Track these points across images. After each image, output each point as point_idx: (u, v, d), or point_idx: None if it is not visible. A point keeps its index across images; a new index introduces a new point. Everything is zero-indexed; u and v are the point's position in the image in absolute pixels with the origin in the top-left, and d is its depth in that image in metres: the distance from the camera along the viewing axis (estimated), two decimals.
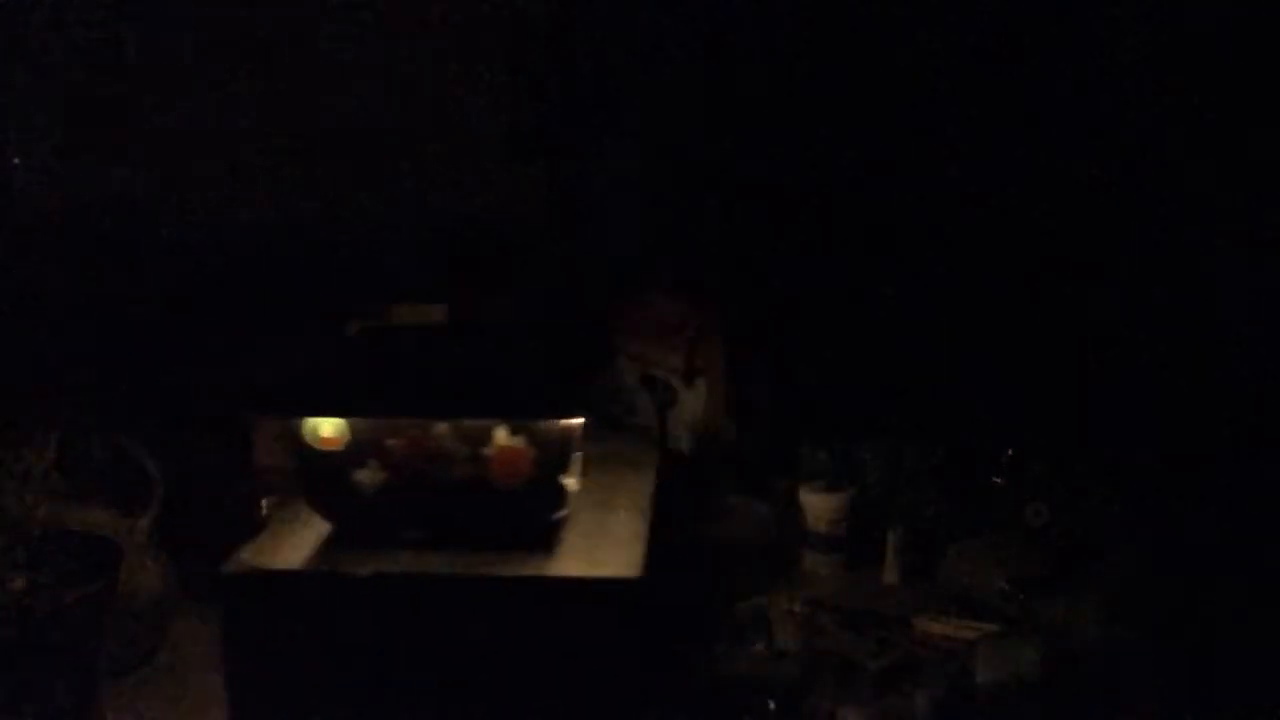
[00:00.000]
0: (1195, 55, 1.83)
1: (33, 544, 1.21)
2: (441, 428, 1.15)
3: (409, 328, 1.67)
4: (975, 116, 1.95)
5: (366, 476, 1.15)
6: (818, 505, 1.71)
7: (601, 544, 1.18)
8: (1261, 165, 1.81)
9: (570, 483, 1.19)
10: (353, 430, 1.14)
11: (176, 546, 1.49)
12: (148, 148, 1.60)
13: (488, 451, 1.16)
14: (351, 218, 1.76)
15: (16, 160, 1.51)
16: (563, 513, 1.20)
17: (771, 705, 1.32)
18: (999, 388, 1.93)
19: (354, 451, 1.14)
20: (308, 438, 1.14)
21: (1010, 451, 1.84)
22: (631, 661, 1.12)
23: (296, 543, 1.16)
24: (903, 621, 1.53)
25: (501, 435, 1.16)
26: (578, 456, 1.19)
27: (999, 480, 1.84)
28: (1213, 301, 1.90)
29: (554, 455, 1.17)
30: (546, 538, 1.19)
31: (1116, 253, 1.92)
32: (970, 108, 1.95)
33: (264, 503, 1.64)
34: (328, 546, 1.16)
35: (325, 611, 1.10)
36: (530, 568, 1.12)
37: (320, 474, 1.16)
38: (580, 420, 1.18)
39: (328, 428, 1.14)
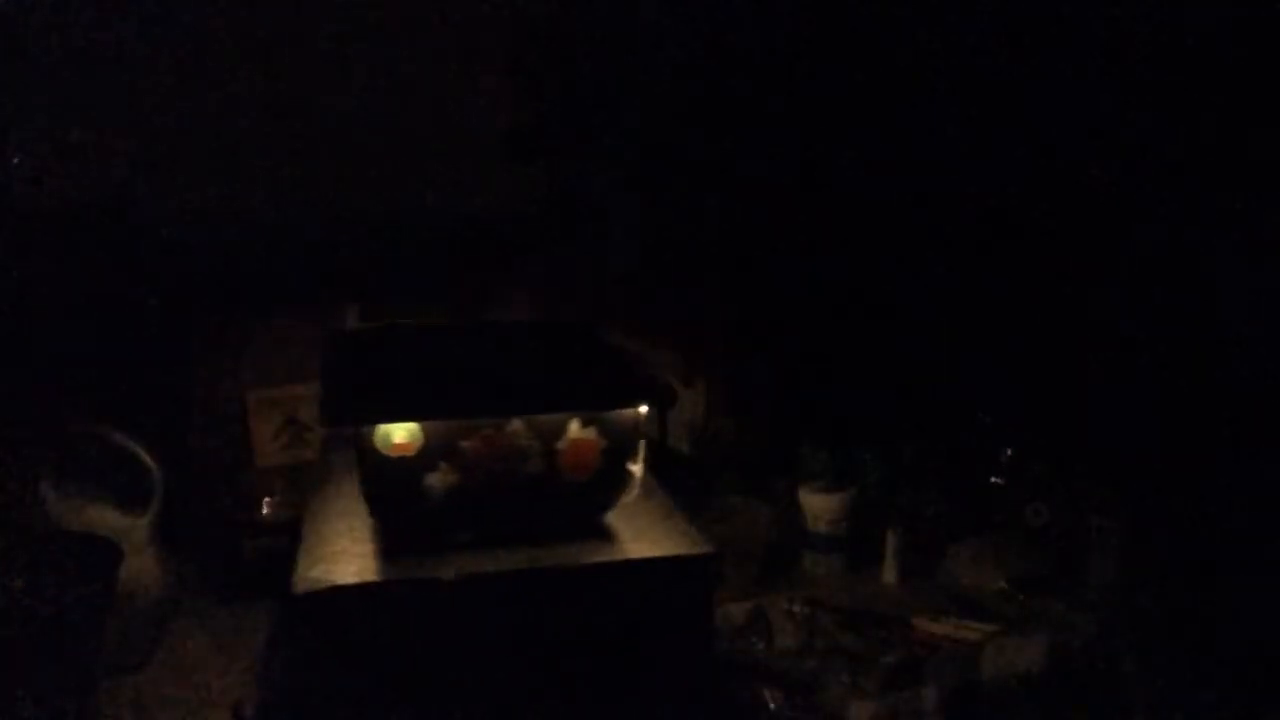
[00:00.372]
0: (1195, 55, 1.83)
1: (33, 544, 1.21)
2: (516, 425, 1.15)
3: (431, 327, 1.68)
4: (975, 116, 1.95)
5: (437, 480, 1.14)
6: (818, 505, 1.71)
7: (650, 528, 1.22)
8: (1261, 165, 1.81)
9: (636, 469, 1.20)
10: (426, 434, 1.12)
11: (177, 546, 1.49)
12: (148, 148, 1.60)
13: (560, 445, 1.16)
14: (351, 218, 1.76)
15: (16, 160, 1.51)
16: (629, 498, 1.22)
17: (772, 704, 1.32)
18: (999, 388, 1.93)
19: (426, 456, 1.13)
20: (379, 445, 1.11)
21: (1010, 451, 1.84)
22: (709, 630, 1.21)
23: (345, 554, 1.14)
24: (902, 621, 1.53)
25: (574, 428, 1.16)
26: (642, 443, 1.20)
27: (999, 480, 1.84)
28: (1213, 301, 1.90)
29: (622, 443, 1.18)
30: (600, 527, 1.22)
31: (1116, 253, 1.92)
32: (970, 108, 1.95)
33: (266, 502, 1.65)
34: (386, 554, 1.14)
35: (403, 619, 1.09)
36: (605, 554, 1.15)
37: (390, 481, 1.13)
38: (645, 408, 1.19)
39: (401, 434, 1.11)
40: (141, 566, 1.39)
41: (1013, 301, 1.97)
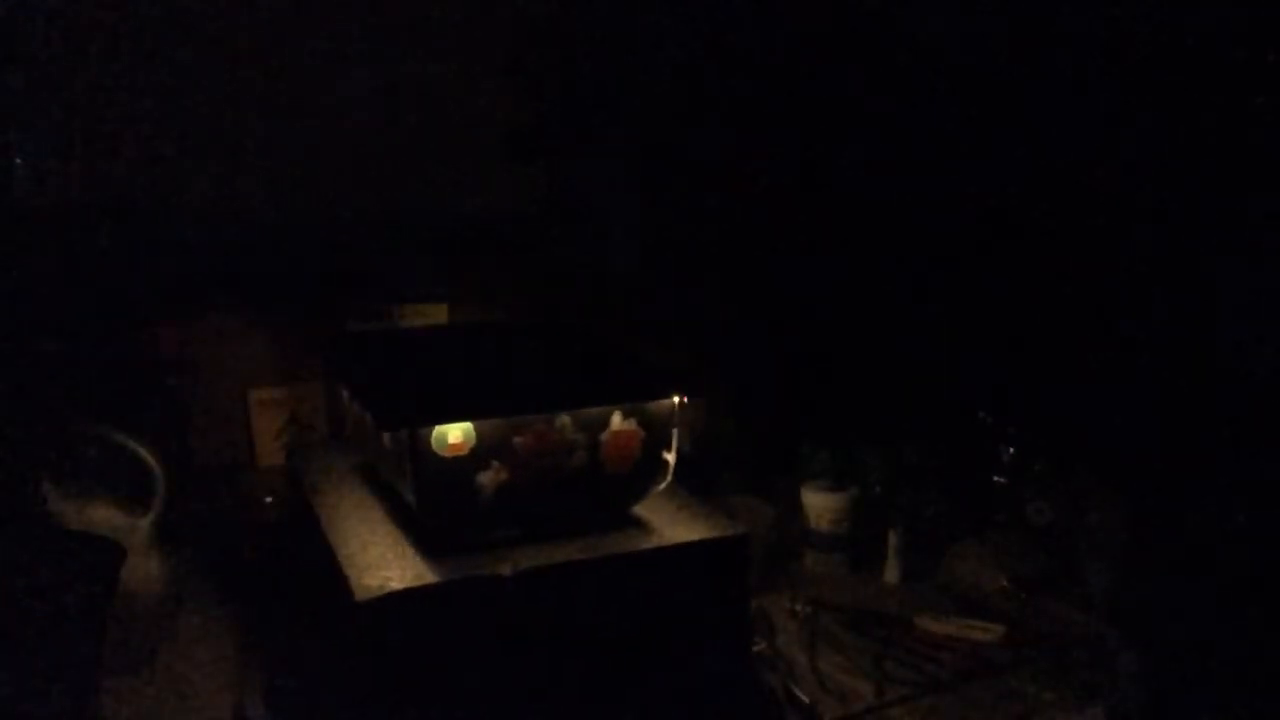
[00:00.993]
0: (1194, 54, 1.84)
1: (34, 544, 1.21)
2: (564, 420, 1.17)
3: (435, 329, 1.69)
4: (975, 117, 1.95)
5: (488, 478, 1.15)
6: (819, 505, 1.71)
7: (677, 516, 1.27)
8: (1261, 165, 1.81)
9: (670, 458, 1.24)
10: (479, 433, 1.14)
11: (179, 546, 1.48)
12: (147, 148, 1.60)
13: (604, 437, 1.20)
14: (352, 217, 1.76)
15: (18, 160, 1.51)
16: (662, 486, 1.26)
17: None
18: (1000, 387, 1.93)
19: (479, 455, 1.14)
20: (435, 446, 1.12)
21: (1011, 450, 1.84)
22: (748, 607, 1.30)
23: (388, 559, 1.14)
24: (904, 621, 1.53)
25: (616, 419, 1.20)
26: (675, 432, 1.24)
27: (1000, 479, 1.84)
28: (1213, 301, 1.91)
29: (658, 433, 1.23)
30: (632, 518, 1.27)
31: (1116, 253, 1.92)
32: (970, 109, 1.95)
33: (268, 501, 1.64)
34: (431, 556, 1.15)
35: (463, 618, 1.11)
36: (649, 541, 1.20)
37: (443, 482, 1.14)
38: (678, 398, 1.24)
39: (456, 434, 1.12)
40: (143, 566, 1.39)
41: (1013, 301, 1.97)
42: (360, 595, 1.05)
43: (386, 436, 1.21)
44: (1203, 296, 1.91)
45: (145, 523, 1.41)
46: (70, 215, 1.56)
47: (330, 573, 1.15)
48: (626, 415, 1.20)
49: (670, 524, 1.25)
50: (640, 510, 1.28)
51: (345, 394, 1.41)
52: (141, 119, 1.59)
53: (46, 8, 1.50)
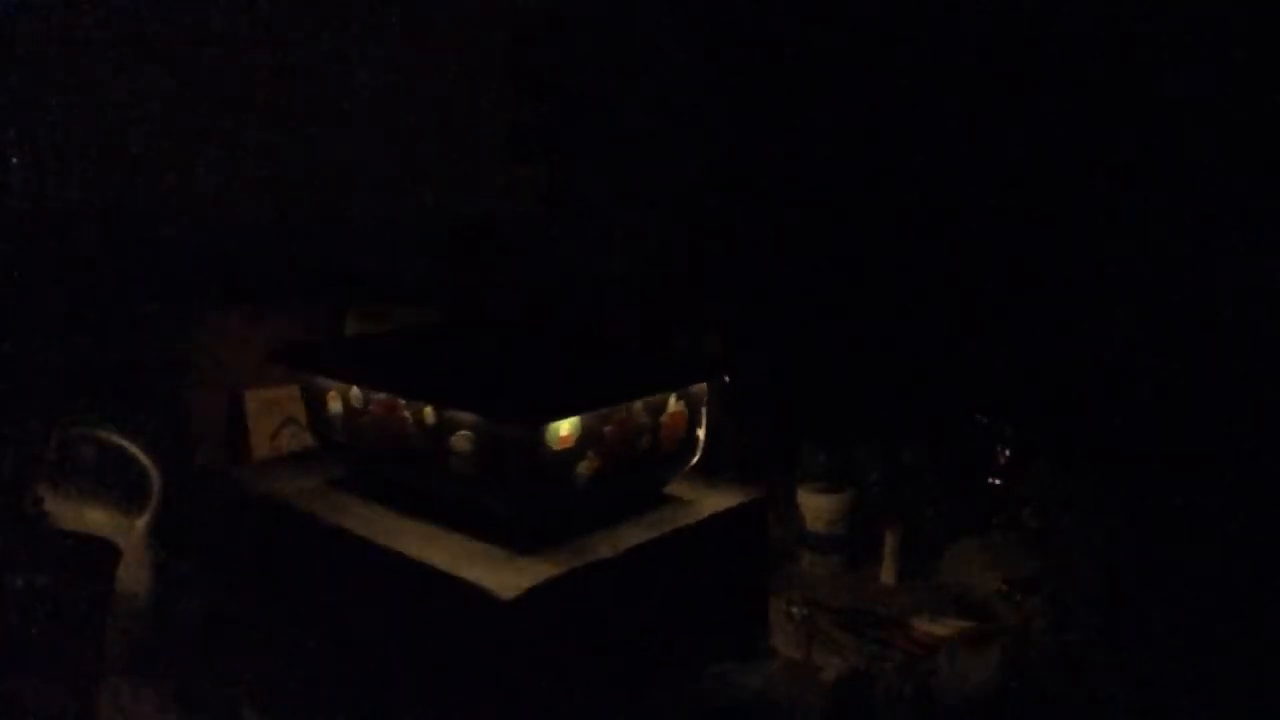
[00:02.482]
0: (1197, 53, 1.83)
1: (30, 544, 1.22)
2: (638, 406, 1.25)
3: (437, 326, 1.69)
4: (972, 117, 1.95)
5: (584, 468, 1.20)
6: (816, 505, 1.71)
7: (697, 488, 1.39)
8: (1260, 164, 1.81)
9: (702, 434, 1.35)
10: (583, 425, 1.18)
11: (174, 546, 1.49)
12: (147, 148, 1.60)
13: (663, 419, 1.29)
14: (351, 217, 1.76)
15: (15, 160, 1.51)
16: (695, 460, 1.36)
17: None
18: (997, 388, 1.93)
19: (579, 446, 1.19)
20: (550, 441, 1.15)
21: (1008, 452, 1.84)
22: (766, 556, 1.47)
23: (478, 557, 1.17)
24: (901, 622, 1.53)
25: (672, 402, 1.30)
26: (705, 410, 1.35)
27: (997, 481, 1.84)
28: (1212, 301, 1.90)
29: (698, 413, 1.34)
30: (664, 496, 1.37)
31: (1115, 254, 1.92)
32: (967, 107, 1.95)
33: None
34: (520, 550, 1.19)
35: (582, 601, 1.17)
36: (702, 512, 1.32)
37: (550, 475, 1.18)
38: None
39: (567, 428, 1.17)
40: (138, 566, 1.39)
41: (1011, 303, 1.96)
42: (505, 595, 1.08)
43: (432, 441, 1.22)
44: (1202, 296, 1.90)
45: (141, 523, 1.41)
46: (68, 215, 1.56)
47: (426, 587, 1.16)
48: (679, 398, 1.30)
49: (701, 497, 1.36)
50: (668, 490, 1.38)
51: (390, 399, 1.30)
52: (141, 119, 1.59)
53: (47, 8, 1.51)
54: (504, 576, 1.12)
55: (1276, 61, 1.76)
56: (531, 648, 1.12)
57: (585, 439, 1.19)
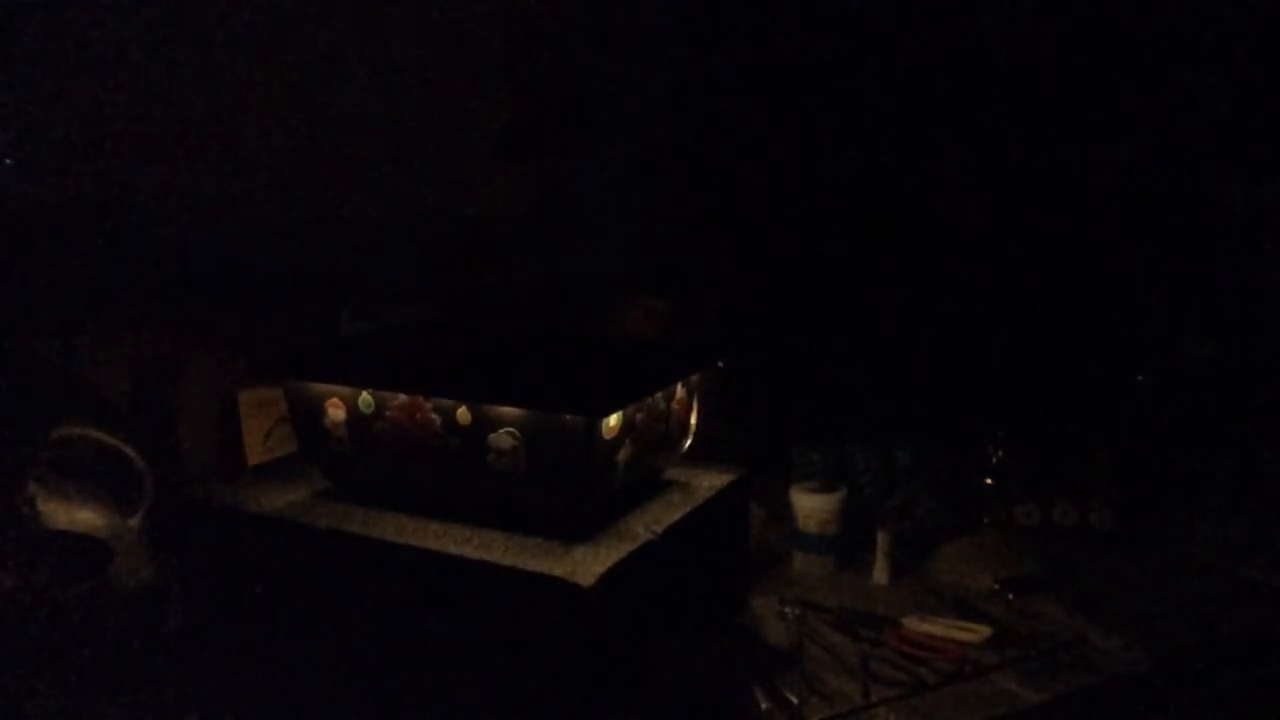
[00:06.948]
0: (1195, 54, 1.83)
1: (21, 545, 1.22)
2: (659, 394, 1.31)
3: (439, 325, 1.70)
4: (969, 117, 1.95)
5: (623, 456, 1.24)
6: (809, 505, 1.71)
7: (686, 470, 1.45)
8: (1259, 164, 1.80)
9: (694, 419, 1.42)
10: (625, 416, 1.22)
11: (167, 546, 1.49)
12: (147, 147, 1.60)
13: (673, 406, 1.35)
14: (348, 217, 1.76)
15: (8, 161, 1.52)
16: (689, 443, 1.42)
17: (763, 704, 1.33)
18: (990, 388, 1.93)
19: (621, 436, 1.23)
20: (604, 431, 1.19)
21: (1001, 452, 1.84)
22: (748, 531, 1.53)
23: (532, 550, 1.17)
24: (893, 622, 1.53)
25: (679, 389, 1.36)
26: (697, 396, 1.42)
27: (989, 480, 1.84)
28: (1211, 302, 1.90)
29: (692, 399, 1.41)
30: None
31: (1111, 254, 1.91)
32: (964, 109, 1.95)
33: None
34: (564, 538, 1.21)
35: (639, 584, 1.20)
36: (701, 492, 1.38)
37: (601, 464, 1.21)
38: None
39: (614, 419, 1.20)
40: (131, 567, 1.39)
41: (1005, 303, 1.96)
42: (585, 583, 1.09)
43: (466, 440, 1.22)
44: (1201, 297, 1.90)
45: (133, 523, 1.42)
46: (62, 215, 1.57)
47: (491, 585, 1.15)
48: (683, 385, 1.37)
49: (693, 478, 1.42)
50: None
51: (409, 400, 1.26)
52: (141, 118, 1.60)
53: (46, 8, 1.51)
54: (572, 565, 1.13)
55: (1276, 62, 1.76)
56: (611, 631, 1.16)
57: (625, 428, 1.23)
